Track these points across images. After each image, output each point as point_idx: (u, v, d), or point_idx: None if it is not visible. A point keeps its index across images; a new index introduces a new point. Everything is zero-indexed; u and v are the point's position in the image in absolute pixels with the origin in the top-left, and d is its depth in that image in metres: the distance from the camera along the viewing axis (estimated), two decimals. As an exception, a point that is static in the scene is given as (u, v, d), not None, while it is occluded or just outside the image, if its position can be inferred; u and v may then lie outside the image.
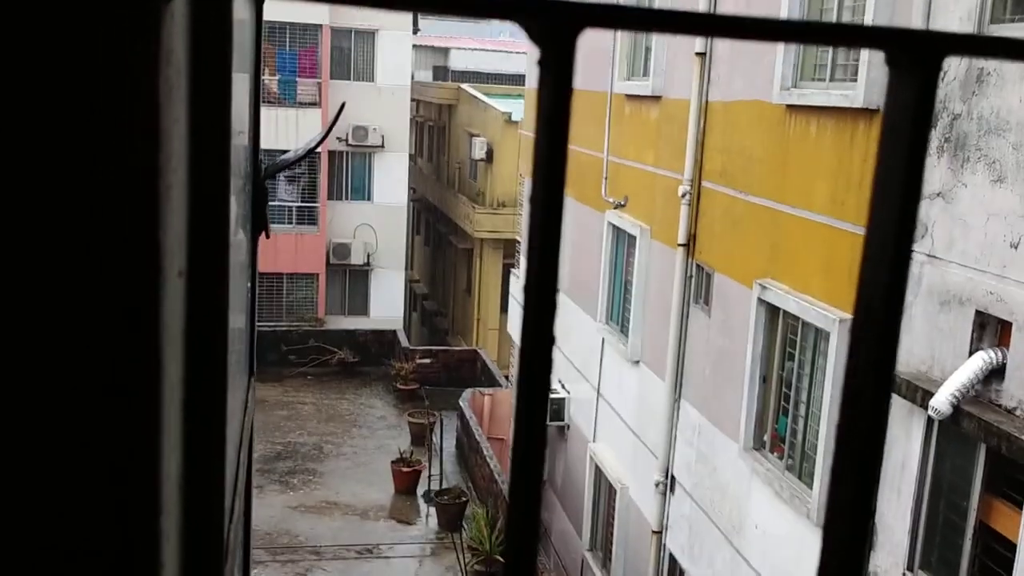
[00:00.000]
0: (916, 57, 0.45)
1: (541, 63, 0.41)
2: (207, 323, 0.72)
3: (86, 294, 0.50)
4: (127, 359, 0.52)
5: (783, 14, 8.53)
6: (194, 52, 0.65)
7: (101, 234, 0.50)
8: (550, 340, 0.44)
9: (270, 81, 25.02)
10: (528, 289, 0.42)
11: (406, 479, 17.74)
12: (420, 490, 17.80)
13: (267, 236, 1.79)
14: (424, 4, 0.41)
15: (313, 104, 25.29)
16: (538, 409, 0.44)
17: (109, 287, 0.50)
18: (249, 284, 1.73)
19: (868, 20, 7.36)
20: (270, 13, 25.90)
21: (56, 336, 0.51)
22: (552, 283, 0.43)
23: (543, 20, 0.40)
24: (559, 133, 0.40)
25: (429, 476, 17.64)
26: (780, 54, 8.58)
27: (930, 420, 6.55)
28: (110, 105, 0.47)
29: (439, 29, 44.43)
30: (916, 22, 6.81)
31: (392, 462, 17.95)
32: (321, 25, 25.14)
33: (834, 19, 8.11)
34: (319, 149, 25.04)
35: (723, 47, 9.93)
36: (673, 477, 10.94)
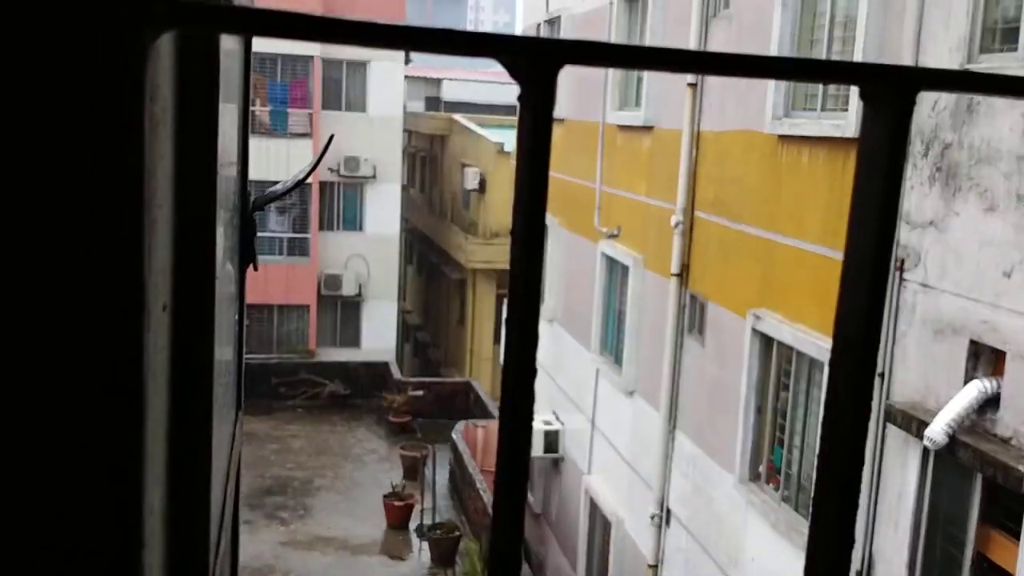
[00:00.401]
0: (890, 92, 0.46)
1: (521, 99, 0.41)
2: (193, 357, 0.70)
3: (68, 328, 0.50)
4: (109, 393, 0.51)
5: (773, 44, 8.60)
6: (181, 88, 0.64)
7: (84, 268, 0.50)
8: (531, 372, 0.44)
9: (261, 112, 25.10)
10: (510, 321, 0.41)
11: (398, 513, 17.57)
12: (412, 524, 17.63)
13: (255, 269, 1.76)
14: (406, 43, 0.42)
15: (304, 135, 25.37)
16: (521, 441, 0.42)
17: (91, 321, 0.50)
18: (237, 317, 1.70)
19: (858, 49, 7.41)
20: (261, 45, 26.15)
21: (36, 370, 0.51)
22: (534, 314, 0.42)
23: (523, 58, 0.40)
24: (540, 167, 0.40)
25: (422, 510, 17.48)
26: (771, 84, 8.63)
27: (926, 450, 6.52)
28: (94, 141, 0.48)
29: (431, 60, 44.78)
30: (906, 52, 6.85)
31: (384, 496, 17.80)
32: (312, 56, 25.28)
33: (824, 48, 8.17)
34: (310, 180, 25.08)
35: (715, 78, 10.00)
36: (669, 509, 10.86)
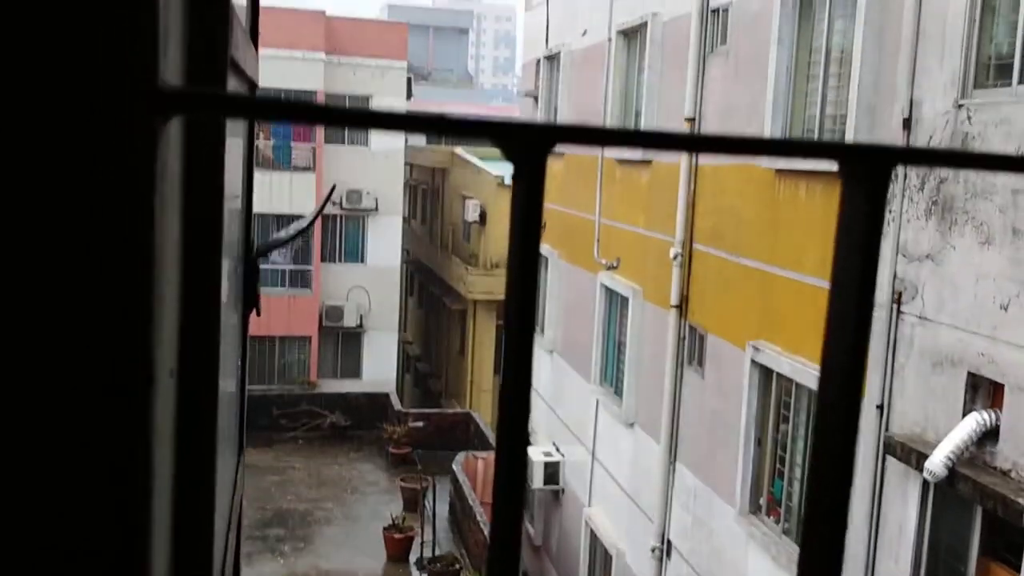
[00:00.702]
0: (867, 168, 0.48)
1: (514, 177, 0.44)
2: (196, 418, 0.73)
3: (75, 403, 0.51)
4: (116, 463, 0.53)
5: (770, 79, 8.69)
6: (188, 160, 0.68)
7: (94, 343, 0.51)
8: (524, 442, 0.46)
9: (265, 146, 25.26)
10: (504, 392, 0.44)
11: (398, 546, 17.47)
12: (413, 557, 17.51)
13: (258, 314, 1.79)
14: (408, 125, 0.45)
15: (307, 168, 25.52)
16: (518, 471, 0.45)
17: (98, 394, 0.51)
18: (239, 362, 1.74)
19: (853, 84, 7.50)
20: (264, 79, 26.23)
21: (44, 441, 0.52)
22: (526, 387, 0.45)
23: (515, 140, 0.44)
24: (531, 241, 0.43)
25: (422, 542, 17.38)
26: (768, 118, 8.72)
27: (926, 483, 6.51)
28: (105, 221, 0.49)
29: (433, 95, 45.09)
30: (901, 87, 6.94)
31: (384, 528, 17.70)
32: (316, 91, 25.48)
33: (820, 83, 8.25)
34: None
35: (712, 112, 10.09)
36: (669, 542, 10.81)
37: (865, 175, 0.48)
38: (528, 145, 0.44)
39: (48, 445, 0.52)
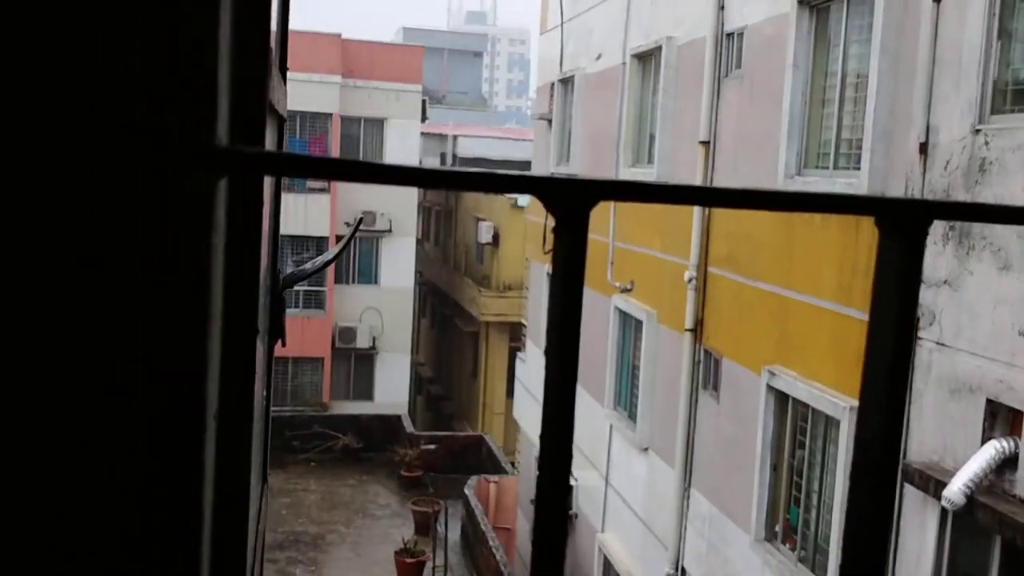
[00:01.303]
0: (903, 222, 0.48)
1: (557, 232, 0.44)
2: (233, 460, 0.74)
3: (138, 446, 0.53)
4: (172, 511, 0.54)
5: (785, 104, 8.69)
6: (230, 219, 0.69)
7: (150, 388, 0.53)
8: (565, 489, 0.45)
9: (280, 168, 25.41)
10: (544, 439, 0.43)
11: (410, 570, 17.37)
12: (424, 580, 17.41)
13: (283, 344, 1.79)
14: (454, 183, 0.45)
15: (322, 190, 25.66)
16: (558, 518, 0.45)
17: (150, 443, 0.53)
18: (265, 392, 1.74)
19: (869, 109, 7.48)
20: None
21: (106, 488, 0.53)
22: (569, 424, 0.44)
23: (559, 196, 0.44)
24: (574, 294, 0.43)
25: (433, 567, 17.28)
26: (784, 141, 8.72)
27: (944, 511, 6.43)
28: (167, 270, 0.51)
29: (447, 117, 45.34)
30: (917, 113, 6.92)
31: (395, 552, 17.62)
32: (331, 114, 25.67)
33: (835, 108, 8.24)
34: (327, 233, 25.28)
35: (727, 136, 10.09)
36: (683, 568, 10.70)
37: (900, 231, 0.48)
38: (571, 201, 0.45)
39: (123, 492, 0.53)
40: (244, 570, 0.82)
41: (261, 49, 0.83)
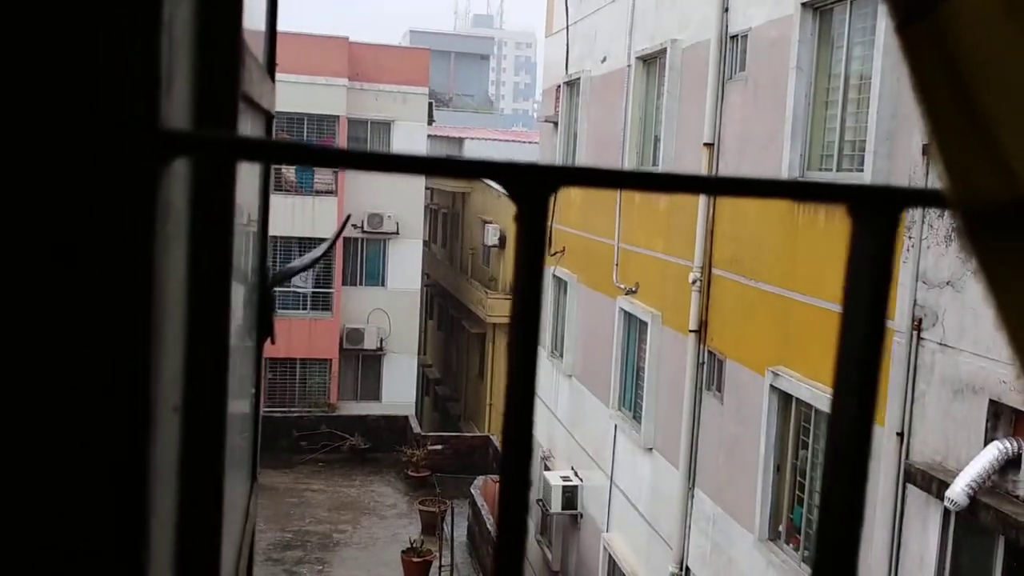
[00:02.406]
0: (875, 210, 0.48)
1: (517, 219, 0.45)
2: (203, 453, 0.75)
3: (71, 436, 0.52)
4: (114, 502, 0.53)
5: (789, 106, 8.71)
6: (197, 196, 0.69)
7: (91, 382, 0.51)
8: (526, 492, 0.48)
9: (287, 170, 25.47)
10: (506, 431, 0.46)
11: (416, 569, 17.41)
12: (430, 581, 17.45)
13: (272, 342, 1.82)
14: (412, 167, 0.46)
15: (329, 192, 25.70)
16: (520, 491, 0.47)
17: (97, 427, 0.52)
18: (254, 389, 1.76)
19: (872, 111, 7.50)
20: (287, 104, 26.34)
21: (37, 484, 0.51)
22: (528, 426, 0.46)
23: (520, 182, 0.44)
24: (534, 280, 0.44)
25: (440, 567, 17.32)
26: (787, 143, 8.74)
27: (947, 512, 6.45)
28: (102, 261, 0.50)
29: (454, 120, 45.37)
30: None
31: (402, 552, 17.66)
32: (338, 116, 25.72)
33: (839, 110, 8.26)
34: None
35: (731, 138, 10.12)
36: (688, 568, 10.72)
37: (873, 218, 0.48)
38: (532, 187, 0.45)
39: (43, 482, 0.51)
40: (217, 569, 0.83)
41: (231, 39, 0.82)
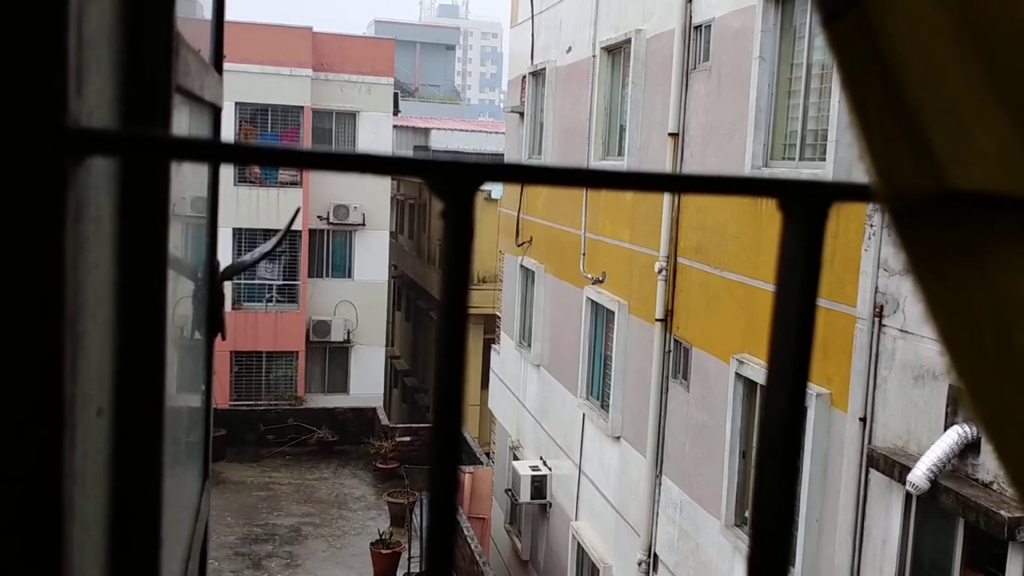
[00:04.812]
0: (805, 204, 0.49)
1: (443, 215, 0.45)
2: (138, 455, 0.73)
3: None
4: (28, 520, 0.51)
5: (752, 95, 8.77)
6: (124, 194, 0.68)
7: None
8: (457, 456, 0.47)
9: (252, 161, 25.23)
10: (435, 435, 0.46)
11: (385, 561, 17.40)
12: (400, 572, 17.45)
13: (223, 338, 1.80)
14: (335, 164, 0.45)
15: (294, 184, 25.52)
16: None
17: (7, 443, 0.50)
18: (204, 386, 1.74)
19: (834, 100, 7.57)
20: (251, 95, 26.11)
21: None
22: (456, 425, 0.46)
23: (444, 178, 0.44)
24: (461, 276, 0.44)
25: (409, 558, 17.32)
26: (751, 132, 8.79)
27: (908, 495, 6.55)
28: (6, 265, 0.49)
29: (420, 110, 45.20)
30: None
31: (371, 544, 17.64)
32: (303, 107, 25.52)
33: (801, 99, 8.33)
34: (299, 228, 25.17)
35: (695, 128, 10.17)
36: (656, 555, 10.81)
37: (802, 213, 0.48)
38: (456, 184, 0.45)
39: None
40: (157, 566, 0.81)
41: (161, 31, 0.80)
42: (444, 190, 0.45)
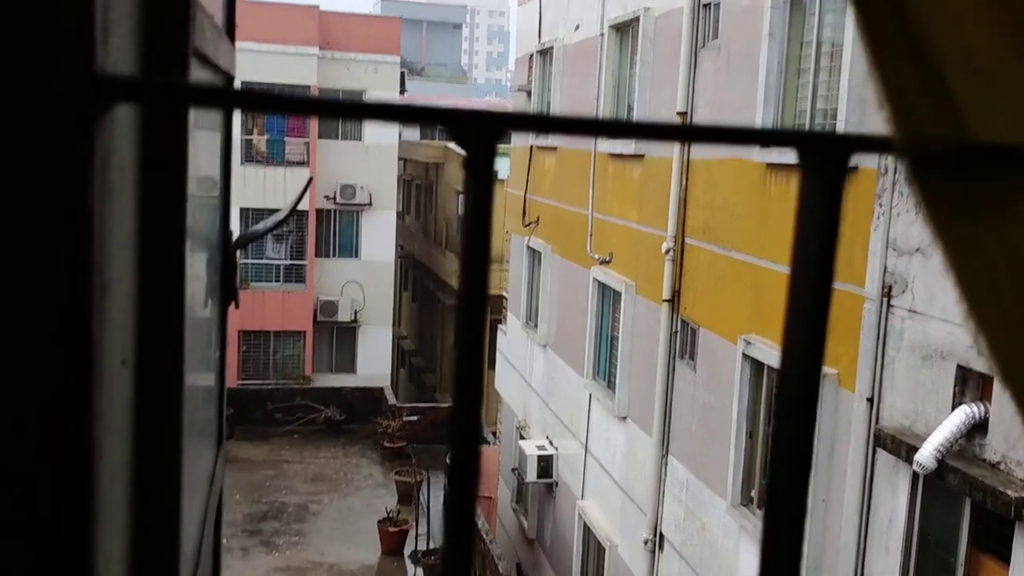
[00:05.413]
0: (825, 156, 0.48)
1: (466, 165, 0.45)
2: (158, 408, 0.74)
3: (12, 391, 0.51)
4: (56, 454, 0.52)
5: (761, 73, 8.71)
6: (146, 147, 0.68)
7: (28, 334, 0.51)
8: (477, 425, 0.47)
9: (259, 141, 25.23)
10: (457, 378, 0.45)
11: (393, 539, 17.51)
12: (407, 550, 17.56)
13: (236, 306, 1.81)
14: (363, 114, 0.45)
15: (301, 163, 25.49)
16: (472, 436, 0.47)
17: (37, 386, 0.51)
18: (218, 354, 1.75)
19: (844, 78, 7.52)
20: (257, 74, 26.09)
21: None
22: (478, 371, 0.46)
23: (466, 128, 0.44)
24: (483, 227, 0.44)
25: (416, 536, 17.42)
26: (760, 110, 8.75)
27: (915, 475, 6.55)
28: (37, 213, 0.50)
29: (427, 89, 45.06)
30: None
31: (379, 521, 17.74)
32: (309, 86, 25.45)
33: (811, 77, 8.27)
34: (306, 208, 25.17)
35: (704, 106, 10.11)
36: (662, 534, 10.85)
37: (823, 164, 0.48)
38: (479, 133, 0.45)
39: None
40: (178, 521, 0.82)
41: None
42: (467, 139, 0.45)
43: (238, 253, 1.87)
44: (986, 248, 0.44)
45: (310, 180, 3.62)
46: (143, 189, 0.70)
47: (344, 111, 0.44)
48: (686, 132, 0.52)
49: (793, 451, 0.51)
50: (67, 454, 0.52)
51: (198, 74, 1.04)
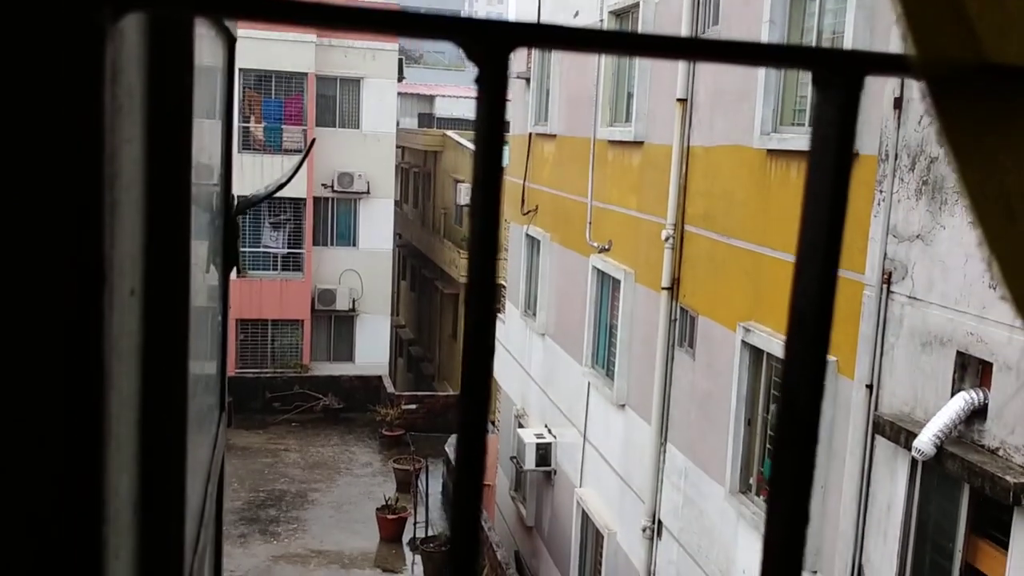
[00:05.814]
0: (839, 75, 0.47)
1: (478, 80, 0.43)
2: (166, 344, 0.73)
3: (24, 306, 0.51)
4: (69, 373, 0.52)
5: (760, 74, 8.67)
6: (152, 73, 0.67)
7: (40, 246, 0.50)
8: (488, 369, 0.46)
9: (256, 128, 25.15)
10: (469, 303, 0.44)
11: (391, 527, 17.54)
12: (406, 538, 17.60)
13: (239, 273, 1.80)
14: (368, 25, 0.43)
15: (299, 151, 25.42)
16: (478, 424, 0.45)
17: (49, 299, 0.51)
18: (220, 318, 1.74)
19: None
20: (255, 61, 26.01)
21: None
22: (491, 297, 0.44)
23: (478, 40, 0.42)
24: (494, 146, 0.43)
25: (415, 523, 17.46)
26: (760, 99, 8.72)
27: (914, 461, 6.56)
28: (50, 120, 0.49)
29: (424, 77, 44.94)
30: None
31: (377, 509, 17.77)
32: (307, 73, 25.37)
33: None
34: (304, 195, 25.12)
35: (704, 93, 10.08)
36: (660, 522, 10.87)
37: (837, 83, 0.47)
38: (491, 45, 0.43)
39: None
40: (183, 454, 0.81)
41: None
42: (479, 52, 0.43)
43: (239, 220, 1.86)
44: (1000, 169, 0.43)
45: (313, 141, 3.61)
46: (150, 109, 0.68)
47: (350, 19, 0.43)
48: (696, 46, 0.51)
49: (801, 429, 0.50)
50: (79, 376, 0.52)
51: (202, 35, 1.02)
